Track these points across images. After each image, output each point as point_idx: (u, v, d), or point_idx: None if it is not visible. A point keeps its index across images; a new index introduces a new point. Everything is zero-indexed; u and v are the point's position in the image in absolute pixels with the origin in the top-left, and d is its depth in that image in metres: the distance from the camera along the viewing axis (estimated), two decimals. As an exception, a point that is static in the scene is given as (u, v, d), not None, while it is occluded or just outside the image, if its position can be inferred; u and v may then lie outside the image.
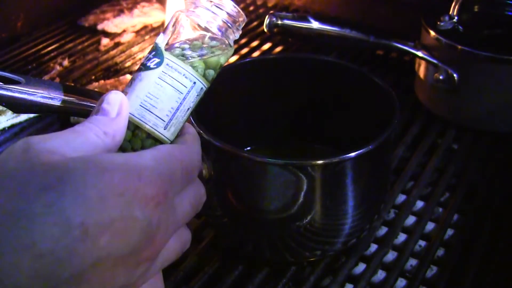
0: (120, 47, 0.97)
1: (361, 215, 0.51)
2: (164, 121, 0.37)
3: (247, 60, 0.62)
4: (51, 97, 0.51)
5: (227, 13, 0.40)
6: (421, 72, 0.76)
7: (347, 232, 0.52)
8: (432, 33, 0.72)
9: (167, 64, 0.37)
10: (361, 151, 0.46)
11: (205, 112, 0.51)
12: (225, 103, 0.59)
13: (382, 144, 0.48)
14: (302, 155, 0.63)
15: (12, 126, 0.77)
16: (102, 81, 0.83)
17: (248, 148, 0.62)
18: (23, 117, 0.77)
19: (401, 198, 0.65)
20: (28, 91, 0.51)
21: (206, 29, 0.40)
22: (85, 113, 0.52)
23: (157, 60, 0.37)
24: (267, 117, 0.62)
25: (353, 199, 0.49)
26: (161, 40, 0.39)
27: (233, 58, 0.93)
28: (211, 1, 0.39)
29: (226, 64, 0.41)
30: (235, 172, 0.49)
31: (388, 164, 0.54)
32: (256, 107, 0.62)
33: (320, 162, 0.47)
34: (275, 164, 0.46)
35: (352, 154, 0.46)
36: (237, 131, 0.60)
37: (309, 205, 0.48)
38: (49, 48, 0.96)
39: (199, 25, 0.39)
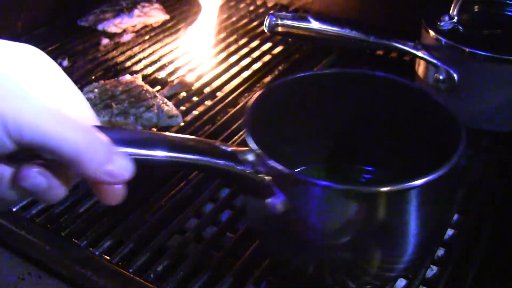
0: (120, 47, 0.97)
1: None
2: None
3: (296, 76, 0.56)
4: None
5: None
6: (421, 72, 0.76)
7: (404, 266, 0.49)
8: (432, 33, 0.72)
9: None
10: (430, 177, 0.42)
11: (261, 132, 0.48)
12: (276, 122, 0.55)
13: (451, 171, 0.43)
14: (354, 178, 0.59)
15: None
16: (102, 81, 0.83)
17: (298, 169, 0.59)
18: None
19: (401, 198, 0.64)
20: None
21: None
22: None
23: None
24: (315, 136, 0.59)
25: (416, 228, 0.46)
26: None
27: (234, 58, 0.93)
28: None
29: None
30: (294, 196, 0.45)
31: (455, 191, 0.50)
32: (305, 125, 0.58)
33: (386, 189, 0.43)
34: (338, 190, 0.43)
35: (420, 181, 0.42)
36: (286, 152, 0.55)
37: (368, 233, 0.45)
38: (49, 48, 0.96)
39: None
